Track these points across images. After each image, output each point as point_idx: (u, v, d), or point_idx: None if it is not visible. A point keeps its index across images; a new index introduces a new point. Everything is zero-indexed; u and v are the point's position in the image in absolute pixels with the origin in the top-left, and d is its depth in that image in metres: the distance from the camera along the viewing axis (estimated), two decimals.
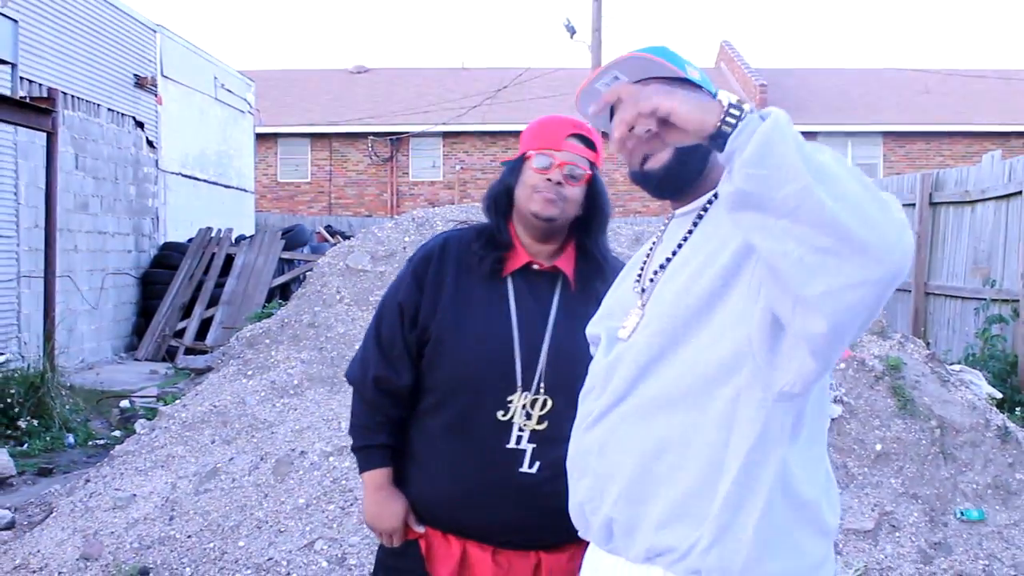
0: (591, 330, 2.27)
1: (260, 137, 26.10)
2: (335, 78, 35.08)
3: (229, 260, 16.39)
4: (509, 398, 2.56)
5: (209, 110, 19.63)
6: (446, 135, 29.68)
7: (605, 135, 2.19)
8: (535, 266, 2.66)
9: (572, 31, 22.12)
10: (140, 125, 16.40)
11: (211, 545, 5.17)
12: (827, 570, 1.99)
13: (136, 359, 15.19)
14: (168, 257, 16.61)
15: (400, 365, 2.69)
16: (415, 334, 2.67)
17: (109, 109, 15.27)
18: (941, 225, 11.88)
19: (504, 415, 2.55)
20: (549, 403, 2.55)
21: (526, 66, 28.00)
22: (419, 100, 31.10)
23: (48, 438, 8.87)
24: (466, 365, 2.59)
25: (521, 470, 2.53)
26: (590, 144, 2.64)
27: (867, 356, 6.03)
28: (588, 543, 2.32)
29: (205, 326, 15.60)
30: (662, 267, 2.09)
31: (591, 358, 2.27)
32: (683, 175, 2.09)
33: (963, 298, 11.12)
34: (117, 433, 9.31)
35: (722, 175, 2.04)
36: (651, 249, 2.22)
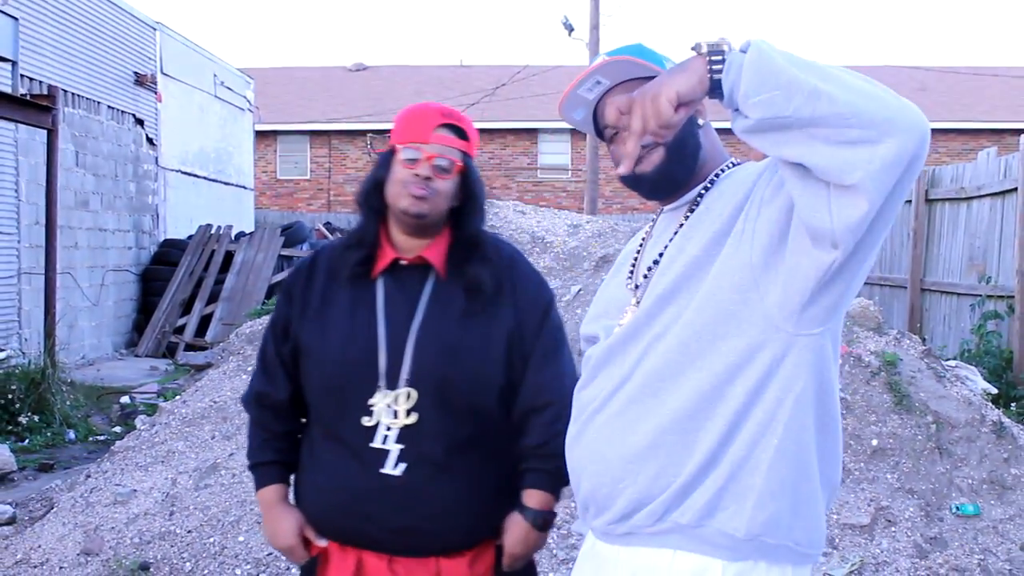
0: (586, 330, 2.26)
1: (259, 134, 26.10)
2: (334, 76, 35.07)
3: (229, 257, 16.41)
4: (371, 401, 2.45)
5: (209, 107, 19.63)
6: None
7: (606, 136, 2.19)
8: (402, 261, 2.55)
9: (570, 29, 22.13)
10: (140, 122, 16.40)
11: (211, 540, 5.18)
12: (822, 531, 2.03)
13: (136, 355, 15.20)
14: (168, 254, 16.62)
15: (277, 379, 2.63)
16: (288, 347, 2.61)
17: (109, 106, 15.27)
18: (937, 222, 11.88)
19: (369, 420, 2.45)
20: (414, 394, 2.44)
21: (524, 63, 28.00)
22: (418, 97, 31.06)
23: (49, 434, 8.88)
24: (331, 372, 2.51)
25: (383, 471, 2.42)
26: (461, 133, 2.54)
27: (863, 352, 6.04)
28: (495, 545, 2.42)
29: (205, 322, 15.62)
30: (655, 262, 2.09)
31: (466, 346, 2.45)
32: (675, 174, 2.10)
33: (959, 294, 11.13)
34: (117, 429, 9.32)
35: (706, 176, 2.06)
36: (641, 244, 2.23)
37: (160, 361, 14.41)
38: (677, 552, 1.95)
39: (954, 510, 5.27)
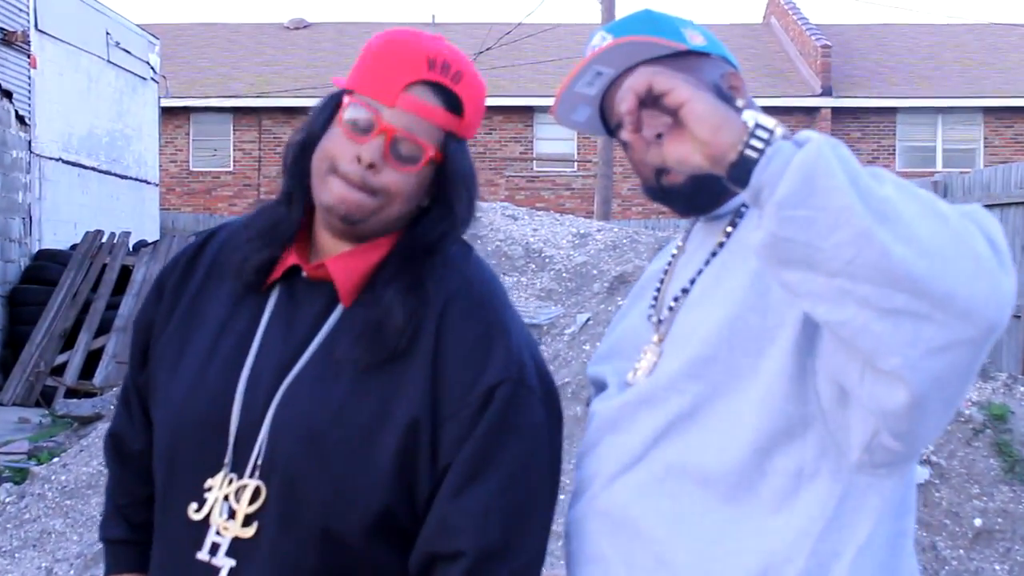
0: (594, 371, 2.23)
1: (167, 112, 26.11)
2: (266, 35, 35.16)
3: (126, 273, 16.38)
4: (209, 483, 2.05)
5: (100, 76, 19.63)
6: None
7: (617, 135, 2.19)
8: (303, 273, 2.13)
9: None
10: (7, 95, 16.39)
11: None
12: None
13: (0, 403, 15.15)
14: (43, 269, 16.58)
15: (135, 418, 2.30)
16: (145, 373, 2.26)
17: None
18: None
19: (197, 510, 2.05)
20: (262, 493, 2.02)
21: (516, 21, 28.08)
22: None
23: None
24: (169, 426, 2.13)
25: None
26: (453, 102, 2.08)
27: (963, 403, 6.04)
28: None
29: (93, 360, 15.56)
30: (684, 291, 2.06)
31: (343, 433, 2.01)
32: (714, 182, 1.93)
33: None
34: None
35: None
36: (669, 263, 2.20)
37: (32, 411, 14.35)
38: None
39: None
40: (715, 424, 1.92)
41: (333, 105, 2.10)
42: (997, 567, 5.41)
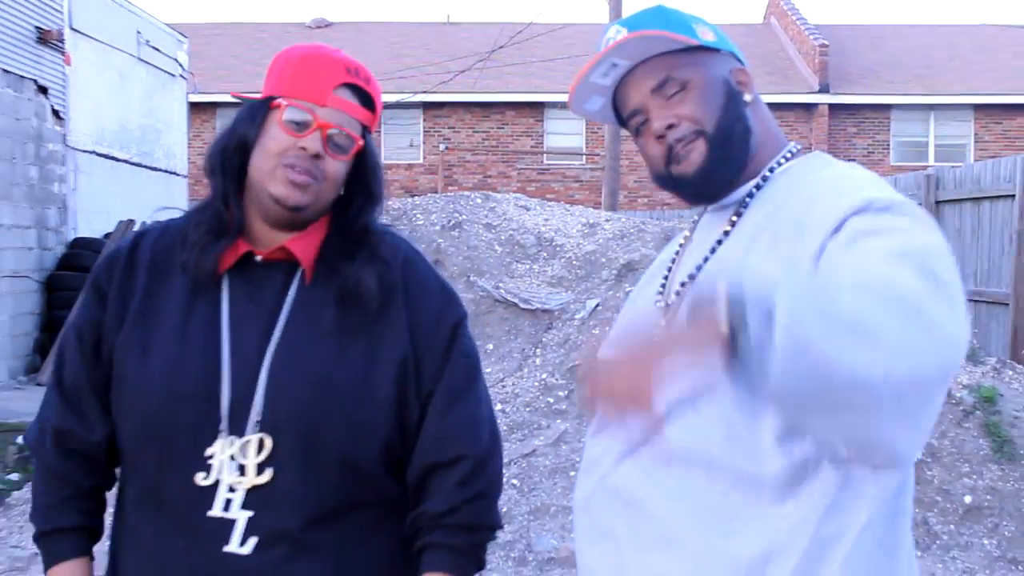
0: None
1: (195, 107, 26.13)
2: (289, 33, 35.12)
3: None
4: (209, 451, 2.19)
5: (131, 73, 19.65)
6: (427, 106, 29.74)
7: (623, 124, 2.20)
8: (257, 257, 2.30)
9: None
10: (44, 91, 16.41)
11: None
12: None
13: (39, 384, 15.18)
14: (79, 256, 16.60)
15: (89, 413, 2.34)
16: (101, 368, 2.33)
17: (4, 70, 15.29)
18: None
19: (206, 477, 2.19)
20: (268, 443, 2.18)
21: (528, 21, 28.06)
22: (394, 63, 31.14)
23: None
24: (153, 409, 2.23)
25: (227, 549, 2.17)
26: (366, 99, 2.33)
27: (954, 386, 6.05)
28: None
29: None
30: (691, 277, 2.07)
31: (341, 377, 2.20)
32: (723, 172, 2.06)
33: None
34: (14, 476, 9.31)
35: (759, 168, 2.05)
36: (678, 252, 2.21)
37: None
38: None
39: None
40: (719, 410, 1.92)
41: (259, 112, 2.28)
42: (986, 542, 5.42)
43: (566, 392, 7.28)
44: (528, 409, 7.16)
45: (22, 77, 15.79)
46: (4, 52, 15.28)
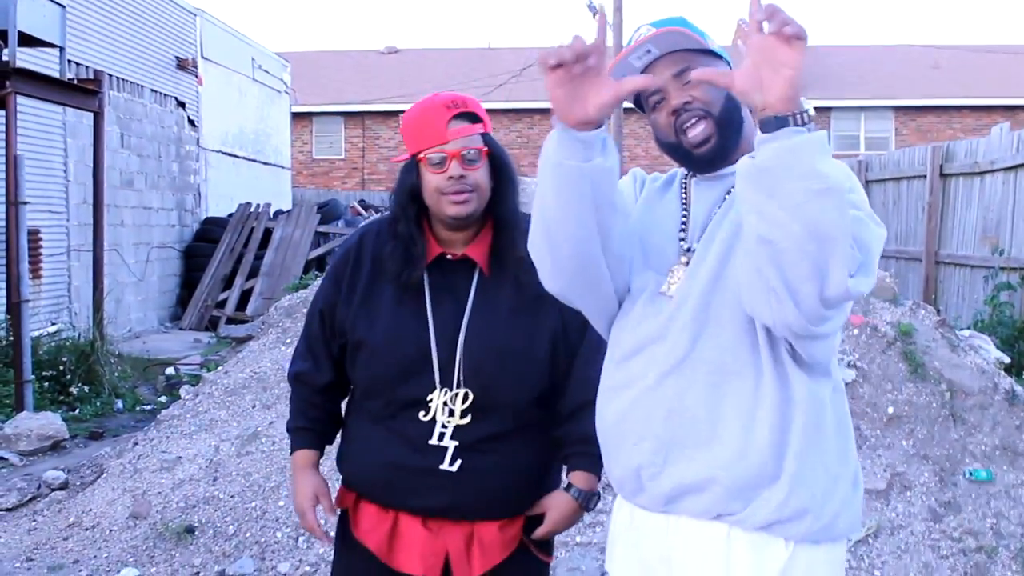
0: (635, 281, 2.12)
1: (296, 116, 26.10)
2: (367, 58, 35.01)
3: (267, 234, 16.45)
4: (429, 397, 2.45)
5: (247, 90, 19.65)
6: None
7: (632, 110, 2.16)
8: (448, 256, 2.51)
9: (594, 11, 21.98)
10: (182, 105, 16.43)
11: (253, 504, 5.21)
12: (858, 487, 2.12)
13: (180, 328, 15.28)
14: (210, 231, 16.67)
15: (321, 364, 2.64)
16: (336, 338, 2.59)
17: (152, 90, 15.31)
18: (951, 196, 11.76)
19: (426, 415, 2.45)
20: (470, 396, 2.43)
21: (550, 46, 27.82)
22: (447, 79, 30.97)
23: (98, 404, 8.95)
24: (383, 368, 2.49)
25: (442, 467, 2.43)
26: (474, 117, 2.45)
27: (879, 322, 5.99)
28: (524, 516, 2.46)
29: (245, 297, 15.68)
30: (705, 227, 2.06)
31: (513, 348, 2.43)
32: (727, 148, 2.04)
33: (972, 266, 11.02)
34: (163, 399, 9.38)
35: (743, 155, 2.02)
36: (684, 203, 2.14)
37: (203, 334, 14.48)
38: (733, 528, 1.97)
39: (968, 476, 5.24)
40: (735, 330, 1.95)
41: (413, 165, 2.45)
42: (904, 443, 5.38)
43: None
44: None
45: (165, 95, 15.82)
46: (152, 76, 15.31)
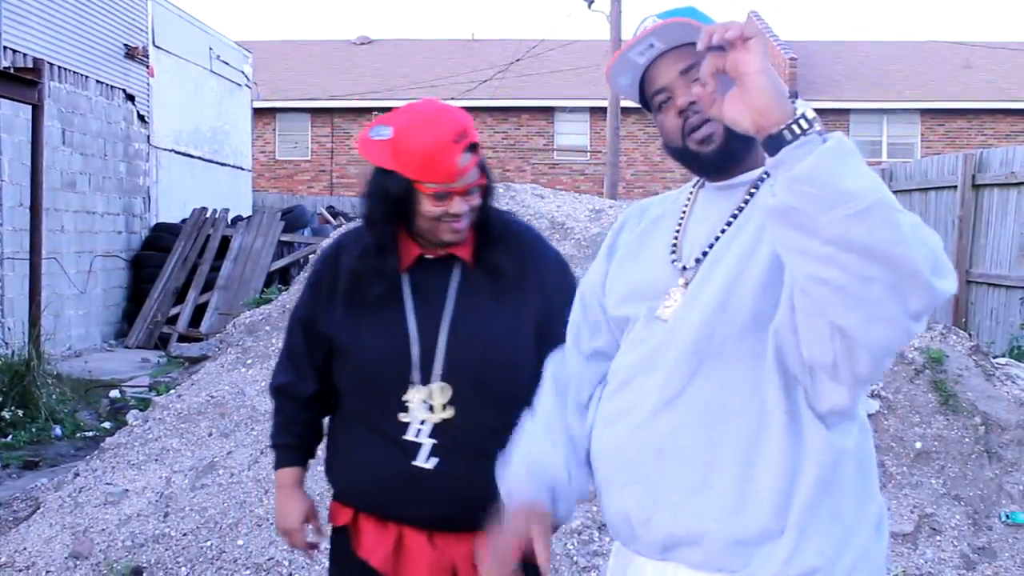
0: (618, 312, 2.16)
1: (257, 112, 26.11)
2: (337, 49, 35.07)
3: (225, 242, 16.43)
4: (405, 398, 2.64)
5: (204, 83, 19.64)
6: None
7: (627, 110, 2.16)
8: (428, 256, 2.72)
9: (590, 0, 22.05)
10: (131, 98, 16.42)
11: (208, 544, 5.18)
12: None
13: (126, 346, 15.23)
14: (160, 239, 16.64)
15: (304, 374, 2.84)
16: (319, 347, 2.79)
17: (98, 81, 15.29)
18: (984, 209, 11.82)
19: (405, 415, 2.64)
20: (448, 389, 2.63)
21: (541, 38, 27.93)
22: (426, 73, 31.06)
23: (34, 429, 8.91)
24: (365, 371, 2.70)
25: (415, 463, 2.62)
26: (475, 147, 2.62)
27: (906, 348, 6.01)
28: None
29: (200, 312, 15.64)
30: (711, 246, 2.03)
31: (498, 335, 2.63)
32: (736, 151, 2.03)
33: (1008, 287, 11.08)
34: (107, 424, 9.34)
35: (756, 163, 2.01)
36: (681, 220, 2.14)
37: (152, 353, 14.44)
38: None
39: (1003, 518, 5.25)
40: (736, 360, 1.93)
41: (404, 184, 2.59)
42: (933, 481, 5.40)
43: None
44: None
45: (112, 87, 15.80)
46: (98, 66, 15.28)
